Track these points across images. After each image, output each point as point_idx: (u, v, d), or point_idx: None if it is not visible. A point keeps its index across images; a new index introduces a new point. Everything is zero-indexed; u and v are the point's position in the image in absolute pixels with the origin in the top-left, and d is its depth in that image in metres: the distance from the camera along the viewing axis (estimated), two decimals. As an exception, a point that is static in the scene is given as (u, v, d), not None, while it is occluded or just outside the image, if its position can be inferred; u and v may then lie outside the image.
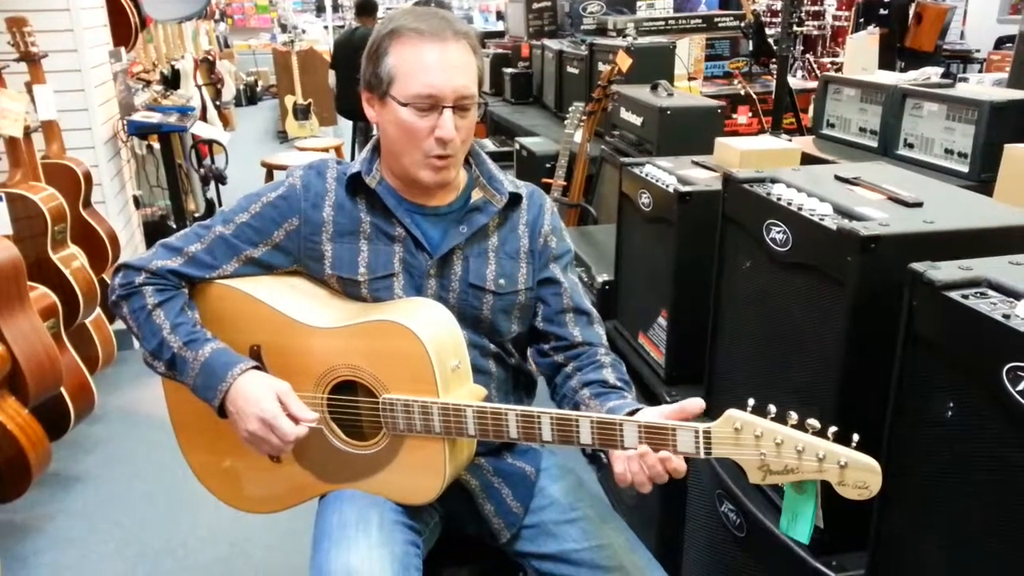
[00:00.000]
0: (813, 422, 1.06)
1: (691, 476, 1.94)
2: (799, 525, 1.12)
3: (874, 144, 2.61)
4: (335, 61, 6.39)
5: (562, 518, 1.45)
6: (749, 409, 1.09)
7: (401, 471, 1.31)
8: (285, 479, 1.41)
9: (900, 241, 1.29)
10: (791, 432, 1.06)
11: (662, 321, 2.05)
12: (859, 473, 1.04)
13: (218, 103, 6.85)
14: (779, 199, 1.50)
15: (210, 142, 5.17)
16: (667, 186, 1.96)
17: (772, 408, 1.07)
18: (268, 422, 1.27)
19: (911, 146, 2.46)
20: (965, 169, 2.19)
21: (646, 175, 2.06)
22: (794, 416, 1.07)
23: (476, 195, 1.42)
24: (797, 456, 1.06)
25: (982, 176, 2.08)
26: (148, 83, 4.57)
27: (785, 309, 1.51)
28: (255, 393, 1.28)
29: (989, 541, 1.06)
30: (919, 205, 1.42)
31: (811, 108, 3.84)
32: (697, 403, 1.13)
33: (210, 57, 7.53)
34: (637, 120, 2.90)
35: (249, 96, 11.61)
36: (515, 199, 1.43)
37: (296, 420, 1.28)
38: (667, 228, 1.96)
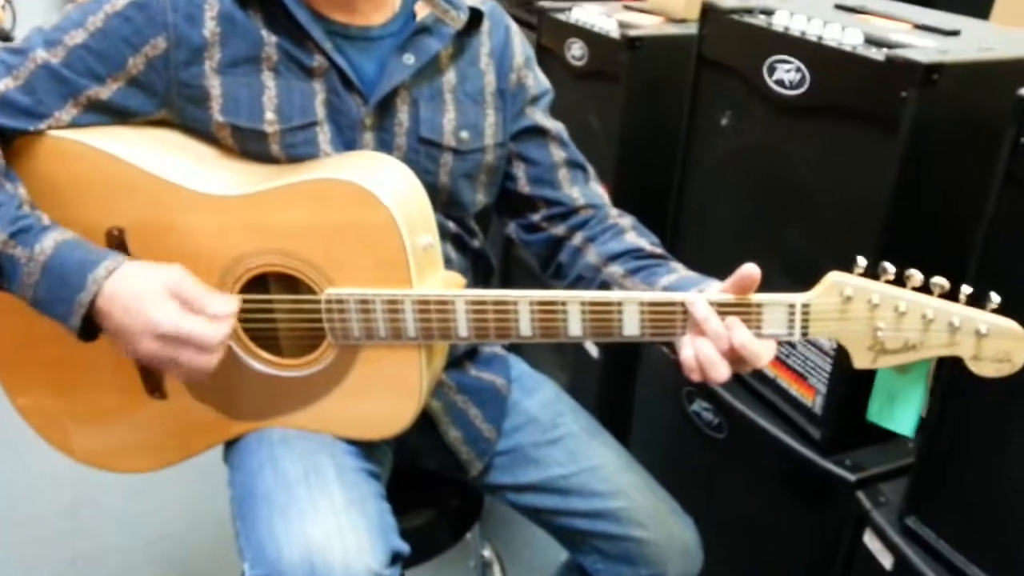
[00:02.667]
0: (940, 281, 0.80)
1: (640, 371, 1.70)
2: (900, 413, 0.88)
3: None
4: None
5: (543, 438, 1.14)
6: (858, 272, 0.81)
7: (356, 396, 0.94)
8: (173, 421, 1.00)
9: (964, 70, 1.05)
10: (917, 297, 0.80)
11: (600, 198, 1.74)
12: (1001, 342, 0.80)
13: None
14: (787, 30, 1.22)
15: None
16: (607, 32, 1.62)
17: (888, 267, 0.80)
18: (172, 336, 0.84)
19: None
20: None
21: (576, 21, 1.71)
22: (917, 276, 0.80)
23: (421, 11, 1.01)
24: (923, 328, 0.81)
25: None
26: None
27: (788, 166, 1.25)
28: (138, 296, 0.85)
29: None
30: (956, 33, 1.18)
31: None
32: (752, 269, 0.83)
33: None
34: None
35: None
36: (475, 17, 1.04)
37: (211, 316, 0.87)
38: (608, 85, 1.64)
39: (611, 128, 1.65)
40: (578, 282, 1.06)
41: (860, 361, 0.84)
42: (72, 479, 2.02)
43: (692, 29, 1.54)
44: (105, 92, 0.91)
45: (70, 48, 0.90)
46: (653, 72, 1.57)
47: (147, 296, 0.85)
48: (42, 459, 2.02)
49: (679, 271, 0.98)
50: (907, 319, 0.81)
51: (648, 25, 1.63)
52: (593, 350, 1.82)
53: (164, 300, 0.85)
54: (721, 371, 0.83)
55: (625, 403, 1.74)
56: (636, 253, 1.02)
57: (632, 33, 1.56)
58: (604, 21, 1.65)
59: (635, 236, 1.05)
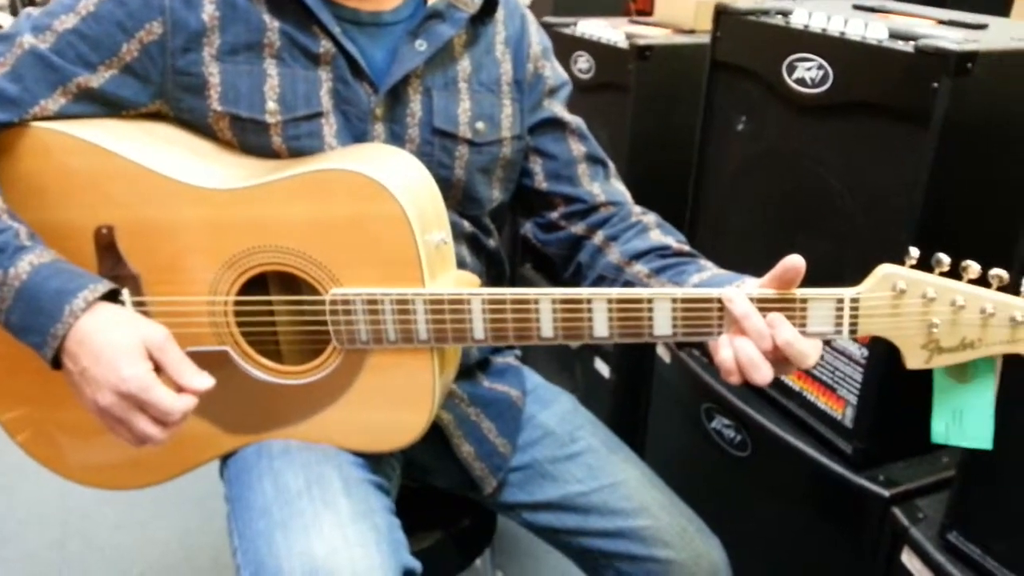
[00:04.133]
0: (1000, 272, 0.74)
1: (654, 389, 1.63)
2: (972, 427, 0.80)
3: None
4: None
5: (561, 453, 1.08)
6: (911, 263, 0.75)
7: (362, 405, 0.87)
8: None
9: (999, 60, 1.01)
10: (974, 290, 0.74)
11: (609, 212, 1.69)
12: (1067, 340, 0.74)
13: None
14: (807, 28, 1.17)
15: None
16: (616, 43, 1.59)
17: (943, 258, 0.75)
18: (135, 397, 0.78)
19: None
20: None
21: (583, 34, 1.67)
22: (974, 267, 0.74)
23: None
24: (982, 323, 0.74)
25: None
26: None
27: (810, 168, 1.20)
28: (112, 347, 0.78)
29: None
30: (984, 27, 1.14)
31: None
32: (796, 260, 0.77)
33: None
34: (525, -2, 2.49)
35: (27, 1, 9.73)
36: (490, 4, 0.99)
37: (180, 388, 0.80)
38: (617, 96, 1.59)
39: (620, 140, 1.60)
40: (599, 283, 1.00)
41: (913, 361, 0.78)
42: (60, 513, 1.94)
43: (702, 39, 1.50)
44: (96, 80, 0.86)
45: (60, 33, 0.85)
46: (663, 81, 1.54)
47: (122, 349, 0.78)
48: (29, 493, 1.98)
49: (710, 269, 0.92)
50: (965, 314, 0.75)
51: (656, 36, 1.60)
52: (604, 369, 1.75)
53: (139, 359, 0.79)
54: (763, 372, 0.77)
55: (639, 423, 1.67)
56: (661, 251, 0.96)
57: (642, 42, 1.52)
58: (611, 33, 1.61)
59: (660, 234, 0.99)
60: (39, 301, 0.80)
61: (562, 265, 1.07)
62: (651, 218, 1.03)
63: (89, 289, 0.80)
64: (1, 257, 0.81)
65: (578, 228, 1.04)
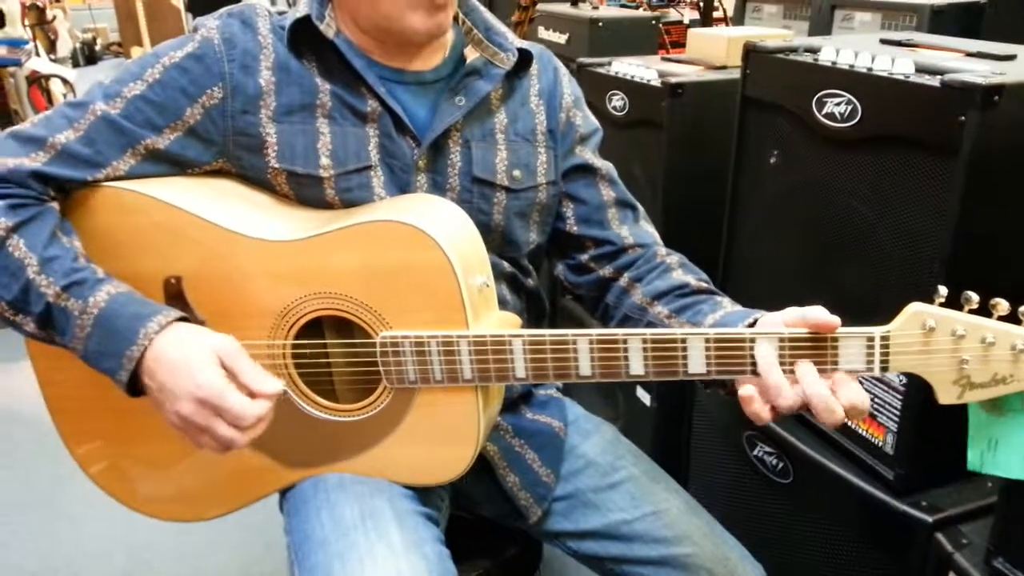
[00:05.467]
0: (1030, 308, 0.76)
1: (696, 417, 1.65)
2: (1006, 457, 0.82)
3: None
4: (192, 1, 5.57)
5: (603, 483, 1.11)
6: (940, 301, 0.78)
7: (412, 441, 0.92)
8: (228, 469, 0.98)
9: (1025, 92, 1.03)
10: (1005, 327, 0.77)
11: (647, 244, 1.73)
12: (1096, 371, 0.76)
13: (53, 57, 5.93)
14: (835, 64, 1.21)
15: (48, 79, 4.33)
16: (649, 81, 1.63)
17: (972, 296, 0.77)
18: (211, 402, 0.83)
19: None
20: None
21: (616, 73, 1.72)
22: (1003, 304, 0.77)
23: (471, 55, 1.03)
24: (1013, 359, 0.76)
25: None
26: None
27: (841, 201, 1.23)
28: (186, 359, 0.84)
29: None
30: (1012, 58, 1.16)
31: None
32: (832, 320, 0.80)
33: (39, 2, 6.54)
34: (561, 38, 2.56)
35: (87, 55, 10.18)
36: (524, 59, 1.05)
37: (252, 394, 0.85)
38: (652, 132, 1.64)
39: (655, 176, 1.64)
40: (625, 323, 1.04)
41: (945, 396, 0.80)
42: (125, 544, 2.01)
43: (733, 74, 1.54)
44: (162, 142, 0.93)
45: (128, 99, 0.92)
46: (695, 118, 1.57)
47: (196, 360, 0.84)
48: (95, 525, 2.06)
49: (725, 307, 0.96)
50: (995, 350, 0.77)
51: (688, 73, 1.64)
52: (646, 397, 1.78)
53: (212, 366, 0.84)
54: (838, 415, 0.80)
55: (681, 451, 1.69)
56: (680, 291, 1.00)
57: (674, 80, 1.56)
58: (644, 72, 1.66)
59: (681, 273, 1.04)
60: (116, 325, 0.86)
61: (592, 306, 1.11)
62: (674, 259, 1.07)
63: (163, 314, 0.87)
64: (82, 289, 0.87)
65: (606, 271, 1.08)
